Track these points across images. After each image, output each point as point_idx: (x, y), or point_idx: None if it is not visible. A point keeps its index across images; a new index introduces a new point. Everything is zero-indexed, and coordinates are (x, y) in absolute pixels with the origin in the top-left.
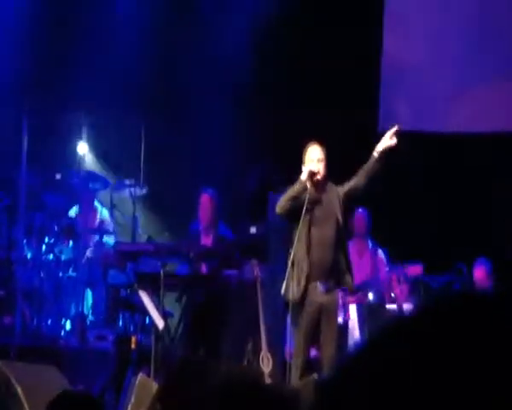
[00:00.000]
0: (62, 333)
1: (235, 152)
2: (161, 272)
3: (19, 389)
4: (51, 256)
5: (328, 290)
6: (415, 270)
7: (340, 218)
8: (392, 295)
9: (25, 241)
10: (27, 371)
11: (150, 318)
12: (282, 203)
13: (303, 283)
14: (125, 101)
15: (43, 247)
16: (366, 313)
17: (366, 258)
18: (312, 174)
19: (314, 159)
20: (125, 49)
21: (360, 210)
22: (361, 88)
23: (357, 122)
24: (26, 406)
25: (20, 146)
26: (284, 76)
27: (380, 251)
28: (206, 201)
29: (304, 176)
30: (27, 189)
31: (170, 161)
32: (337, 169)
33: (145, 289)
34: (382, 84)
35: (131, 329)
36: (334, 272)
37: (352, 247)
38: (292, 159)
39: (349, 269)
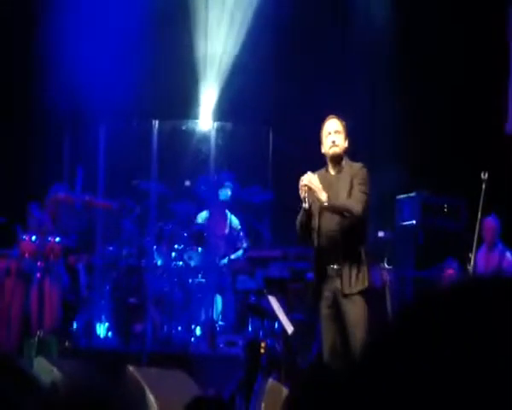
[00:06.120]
0: (192, 339)
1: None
2: (289, 278)
3: (152, 398)
4: (181, 263)
5: (337, 275)
6: None
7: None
8: None
9: (155, 248)
10: (159, 377)
11: (279, 323)
12: (299, 237)
13: (316, 270)
14: (254, 107)
15: (173, 254)
16: None
17: (493, 259)
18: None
19: (331, 131)
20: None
21: (490, 218)
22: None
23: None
24: None
25: (149, 155)
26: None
27: (508, 254)
28: None
29: (306, 205)
30: (157, 197)
31: (296, 167)
32: (463, 169)
33: (274, 294)
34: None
35: (261, 334)
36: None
37: (481, 252)
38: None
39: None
